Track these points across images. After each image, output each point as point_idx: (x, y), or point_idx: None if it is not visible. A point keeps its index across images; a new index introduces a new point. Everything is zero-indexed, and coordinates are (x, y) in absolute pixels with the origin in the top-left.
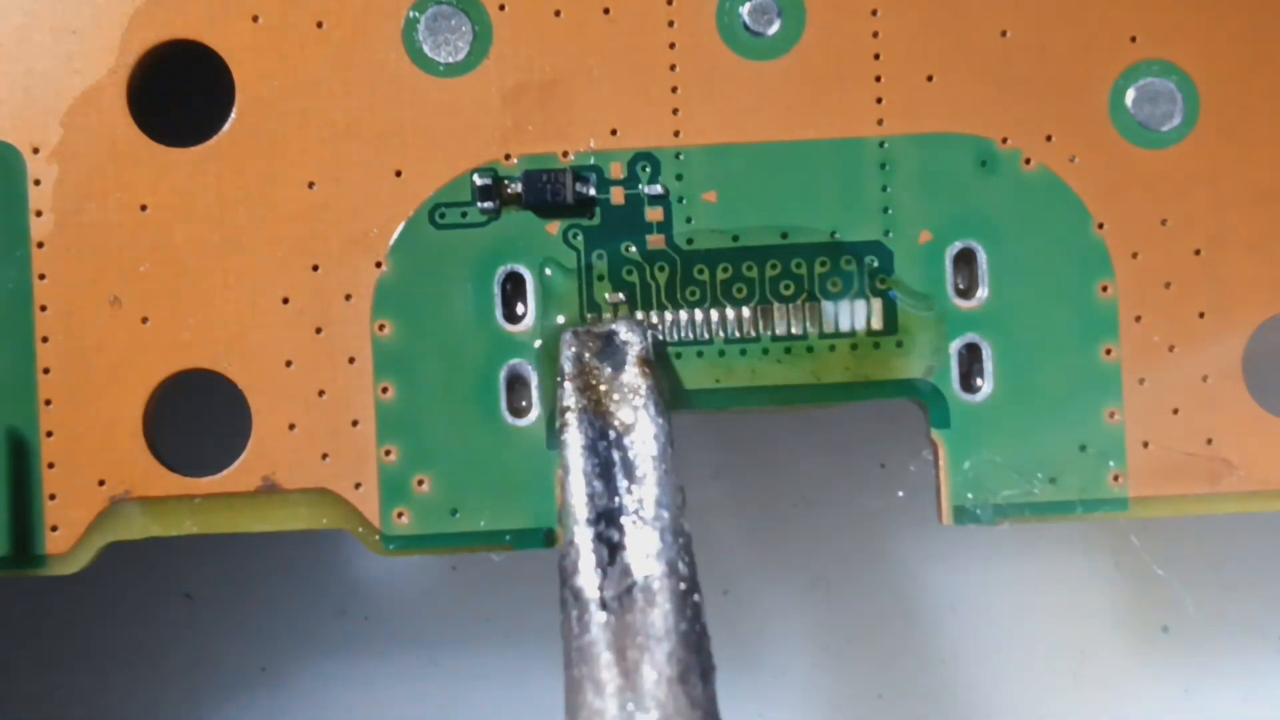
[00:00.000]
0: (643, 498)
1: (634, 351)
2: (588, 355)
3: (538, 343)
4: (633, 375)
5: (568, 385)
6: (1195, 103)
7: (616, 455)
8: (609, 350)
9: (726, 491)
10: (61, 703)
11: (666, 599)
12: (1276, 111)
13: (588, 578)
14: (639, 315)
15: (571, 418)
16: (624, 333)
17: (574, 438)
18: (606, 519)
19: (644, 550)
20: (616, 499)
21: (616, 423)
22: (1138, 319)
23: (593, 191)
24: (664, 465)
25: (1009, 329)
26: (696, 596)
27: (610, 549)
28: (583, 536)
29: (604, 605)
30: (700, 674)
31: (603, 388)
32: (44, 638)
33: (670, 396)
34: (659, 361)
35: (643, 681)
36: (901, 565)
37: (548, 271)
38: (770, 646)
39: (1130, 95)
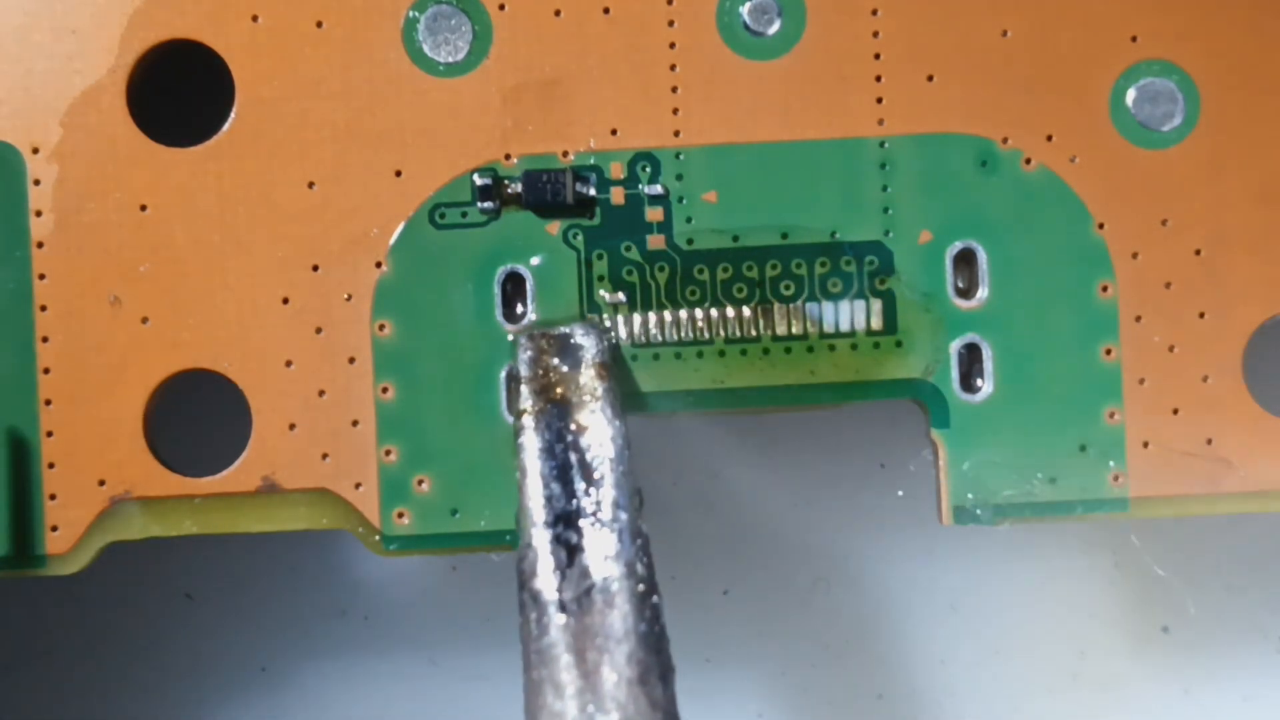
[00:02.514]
0: (600, 500)
1: (590, 355)
2: (544, 357)
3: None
4: (589, 377)
5: (524, 388)
6: (1195, 103)
7: (574, 457)
8: (566, 352)
9: (726, 491)
10: (61, 703)
11: (625, 600)
12: (1276, 111)
13: (546, 580)
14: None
15: (528, 420)
16: (579, 336)
17: (530, 440)
18: (564, 521)
19: (602, 552)
20: (574, 501)
21: (573, 424)
22: (1138, 319)
23: (593, 191)
24: (621, 467)
25: (1009, 329)
26: (655, 598)
27: (569, 551)
28: (540, 539)
29: (563, 607)
30: (660, 675)
31: (559, 390)
32: (44, 638)
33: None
34: (616, 365)
35: (603, 683)
36: (901, 565)
37: (534, 260)
38: (770, 646)
39: (1130, 95)
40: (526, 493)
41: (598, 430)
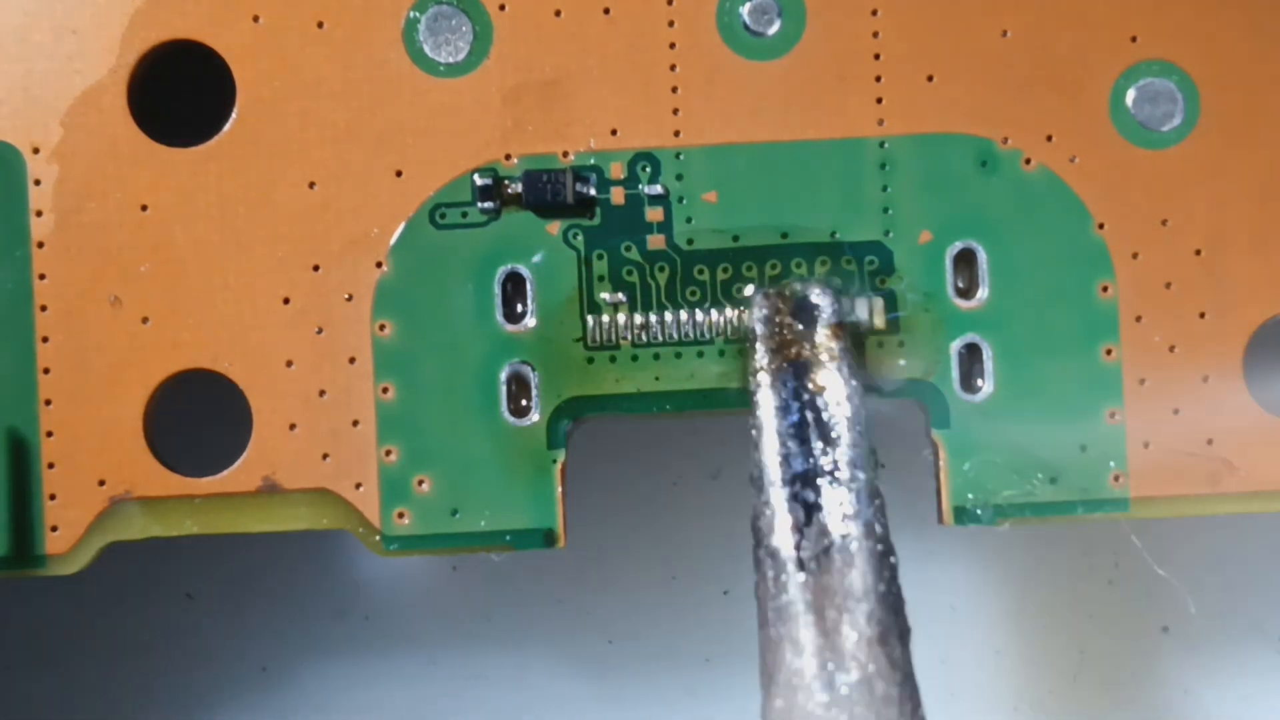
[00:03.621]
0: (838, 459)
1: (826, 314)
2: (780, 315)
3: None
4: (825, 336)
5: (759, 345)
6: (1195, 103)
7: (811, 416)
8: (802, 310)
9: (726, 491)
10: (61, 703)
11: (864, 559)
12: (1276, 111)
13: (784, 537)
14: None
15: (764, 377)
16: (816, 295)
17: (766, 398)
18: (802, 480)
19: (840, 511)
20: (812, 460)
21: (810, 383)
22: (1138, 319)
23: (593, 191)
24: (859, 427)
25: (1009, 329)
26: (893, 559)
27: (806, 509)
28: (778, 497)
29: (801, 565)
30: (899, 635)
31: (795, 348)
32: (44, 638)
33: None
34: (850, 327)
35: (843, 641)
36: (901, 565)
37: (535, 258)
38: None
39: (1130, 95)
40: (763, 450)
41: (834, 389)
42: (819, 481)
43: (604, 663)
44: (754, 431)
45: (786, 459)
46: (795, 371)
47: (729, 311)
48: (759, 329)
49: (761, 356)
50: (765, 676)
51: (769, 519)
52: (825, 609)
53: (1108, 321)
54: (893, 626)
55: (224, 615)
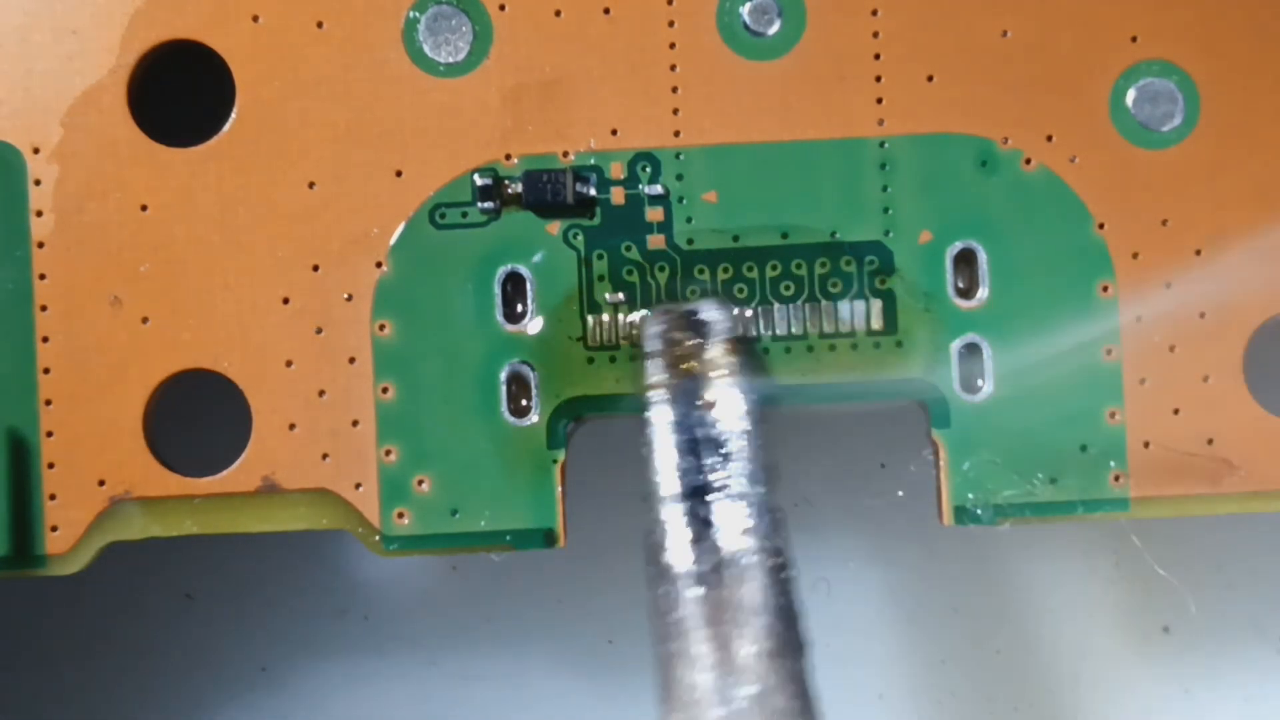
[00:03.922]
0: (732, 473)
1: (719, 330)
2: (673, 331)
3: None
4: (719, 352)
5: (653, 362)
6: (1195, 103)
7: (704, 432)
8: (694, 327)
9: None
10: (62, 703)
11: (759, 574)
12: (1276, 111)
13: (677, 553)
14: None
15: (658, 394)
16: (707, 311)
17: (661, 414)
18: (696, 495)
19: (736, 526)
20: (705, 475)
21: (703, 398)
22: (1138, 319)
23: (593, 191)
24: (755, 442)
25: (1009, 329)
26: (788, 573)
27: (701, 524)
28: (672, 512)
29: (695, 580)
30: (795, 649)
31: (689, 364)
32: (44, 638)
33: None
34: (745, 343)
35: (739, 656)
36: (902, 565)
37: (535, 258)
38: None
39: (1130, 95)
40: (657, 466)
41: (728, 405)
42: (711, 497)
43: (604, 663)
44: (646, 449)
45: (682, 473)
46: (689, 387)
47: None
48: (653, 345)
49: (655, 372)
50: (663, 692)
51: (661, 535)
52: (720, 623)
53: (1108, 321)
54: (788, 640)
55: (224, 615)
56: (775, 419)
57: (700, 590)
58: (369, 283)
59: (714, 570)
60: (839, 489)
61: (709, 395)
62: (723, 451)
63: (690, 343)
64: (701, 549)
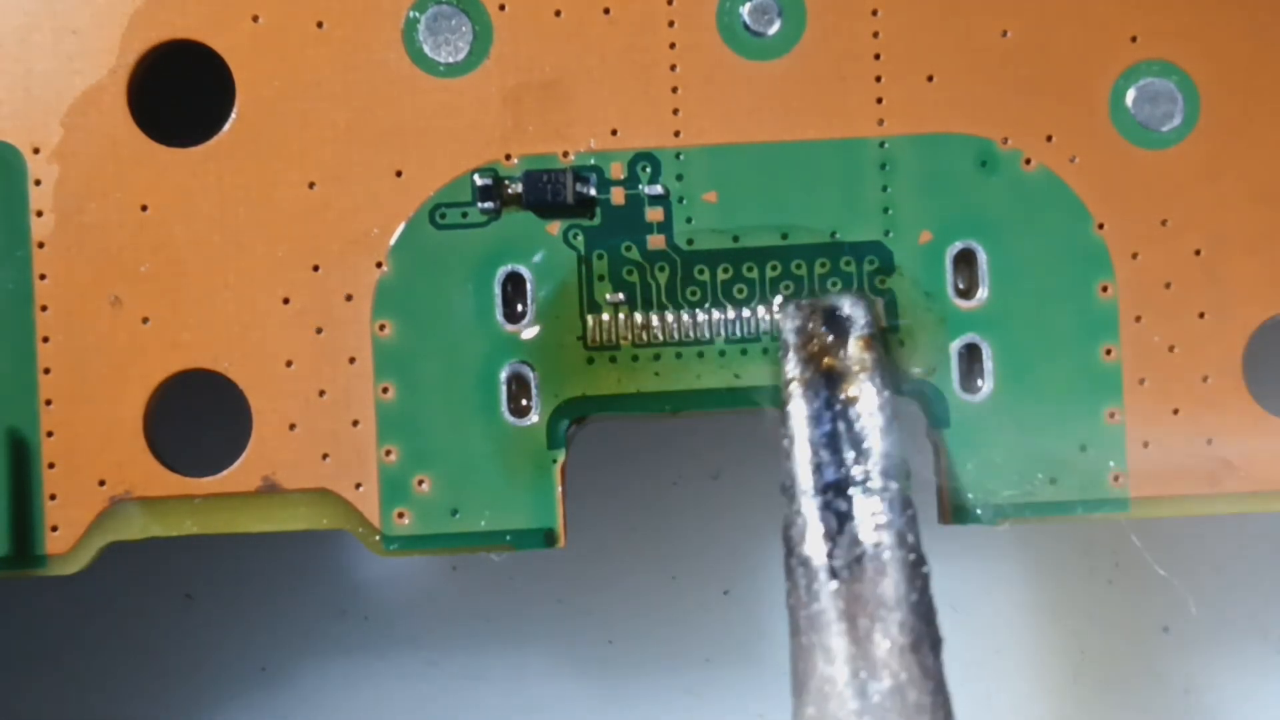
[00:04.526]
0: (870, 469)
1: (858, 326)
2: (812, 326)
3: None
4: (857, 348)
5: (791, 356)
6: (1195, 103)
7: (842, 426)
8: (833, 322)
9: (726, 492)
10: (61, 703)
11: (897, 568)
12: (1276, 111)
13: (815, 546)
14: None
15: (795, 388)
16: (847, 307)
17: (798, 408)
18: (834, 489)
19: (873, 520)
20: (843, 469)
21: (842, 394)
22: (1138, 319)
23: (593, 191)
24: (890, 437)
25: (1009, 329)
26: (925, 568)
27: (838, 518)
28: (809, 506)
29: (833, 573)
30: (931, 644)
31: (827, 359)
32: (44, 638)
33: (668, 399)
34: (883, 339)
35: (875, 649)
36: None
37: (536, 258)
38: (771, 647)
39: (1130, 95)
40: (794, 460)
41: (866, 400)
42: (851, 491)
43: (604, 663)
44: (785, 441)
45: (819, 468)
46: (827, 382)
47: (730, 311)
48: (791, 339)
49: (793, 367)
50: (797, 684)
51: (800, 528)
52: (858, 617)
53: (1107, 321)
54: (925, 635)
55: (224, 615)
56: (906, 414)
57: (838, 584)
58: (369, 283)
59: (852, 564)
60: None
61: (848, 391)
62: (861, 447)
63: (829, 338)
64: (840, 543)
